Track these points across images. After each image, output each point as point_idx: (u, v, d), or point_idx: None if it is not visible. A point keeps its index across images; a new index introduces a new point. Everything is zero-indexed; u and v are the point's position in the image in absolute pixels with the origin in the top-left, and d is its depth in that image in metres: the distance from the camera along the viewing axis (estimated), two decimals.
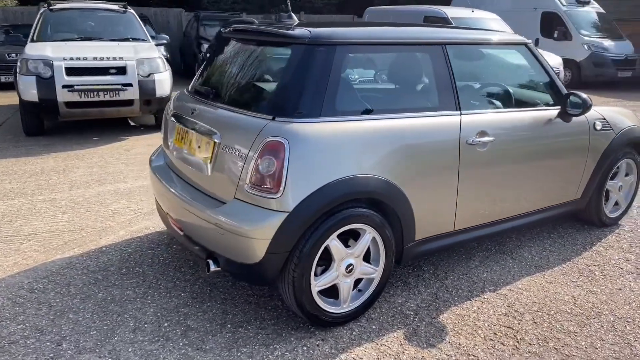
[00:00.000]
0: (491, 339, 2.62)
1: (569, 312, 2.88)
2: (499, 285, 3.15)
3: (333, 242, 2.54)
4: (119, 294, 2.95)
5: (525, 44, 3.43)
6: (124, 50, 6.64)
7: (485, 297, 3.02)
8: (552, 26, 13.46)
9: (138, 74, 6.47)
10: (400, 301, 2.94)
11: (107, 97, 6.33)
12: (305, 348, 2.51)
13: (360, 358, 2.45)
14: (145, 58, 6.64)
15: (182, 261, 3.37)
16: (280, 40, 2.74)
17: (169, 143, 3.16)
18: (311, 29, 2.64)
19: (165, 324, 2.68)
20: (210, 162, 2.67)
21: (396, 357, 2.46)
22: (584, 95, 3.27)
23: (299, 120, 2.45)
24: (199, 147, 2.79)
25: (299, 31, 2.63)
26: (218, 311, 2.81)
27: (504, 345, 2.58)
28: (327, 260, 2.59)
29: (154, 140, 6.63)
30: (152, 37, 7.74)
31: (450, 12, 10.09)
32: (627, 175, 4.07)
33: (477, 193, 3.04)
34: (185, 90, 3.41)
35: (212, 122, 2.71)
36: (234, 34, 3.13)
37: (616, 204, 4.11)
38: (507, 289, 3.12)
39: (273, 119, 2.47)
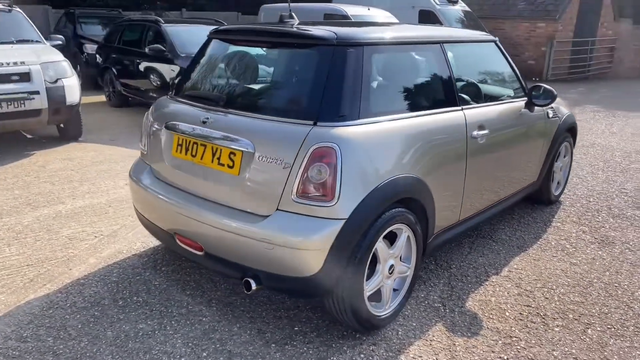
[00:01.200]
0: (521, 319, 2.79)
1: (567, 285, 3.17)
2: (498, 268, 3.36)
3: (379, 245, 2.52)
4: (131, 330, 2.63)
5: (495, 42, 3.67)
6: (24, 54, 5.85)
7: (493, 280, 3.20)
8: (429, 22, 14.49)
9: (45, 80, 5.75)
10: (422, 295, 3.01)
11: (11, 108, 5.53)
12: (362, 355, 2.46)
13: (420, 356, 2.47)
14: (49, 62, 5.91)
15: (182, 283, 3.09)
16: (304, 42, 2.62)
17: (164, 156, 2.87)
18: (334, 30, 2.57)
19: (204, 354, 2.45)
20: (238, 175, 2.49)
21: (450, 349, 2.52)
22: (549, 87, 3.60)
23: (342, 124, 2.38)
24: (217, 158, 2.58)
25: (324, 32, 2.55)
26: (253, 331, 2.64)
27: (534, 323, 2.77)
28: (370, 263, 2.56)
29: (70, 153, 5.95)
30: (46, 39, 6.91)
31: (349, 10, 10.37)
32: (564, 156, 4.56)
33: (477, 183, 3.20)
34: (167, 96, 3.12)
35: (237, 132, 2.51)
36: (240, 35, 2.93)
37: (557, 183, 4.59)
38: (506, 270, 3.34)
39: (315, 124, 2.37)
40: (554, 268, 3.38)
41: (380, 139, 2.48)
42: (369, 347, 2.53)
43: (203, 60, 3.09)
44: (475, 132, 3.07)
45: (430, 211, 2.80)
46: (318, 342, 2.56)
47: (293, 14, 2.97)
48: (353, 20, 10.11)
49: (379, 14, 10.84)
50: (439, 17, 14.28)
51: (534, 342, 2.60)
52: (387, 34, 2.79)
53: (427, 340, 2.59)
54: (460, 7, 15.31)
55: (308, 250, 2.29)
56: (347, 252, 2.34)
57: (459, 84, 3.17)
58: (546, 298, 3.01)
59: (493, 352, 2.51)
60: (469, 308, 2.89)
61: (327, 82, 2.43)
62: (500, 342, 2.59)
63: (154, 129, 2.99)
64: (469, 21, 15.04)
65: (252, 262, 2.45)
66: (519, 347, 2.55)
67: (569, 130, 4.44)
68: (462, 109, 3.04)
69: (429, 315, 2.81)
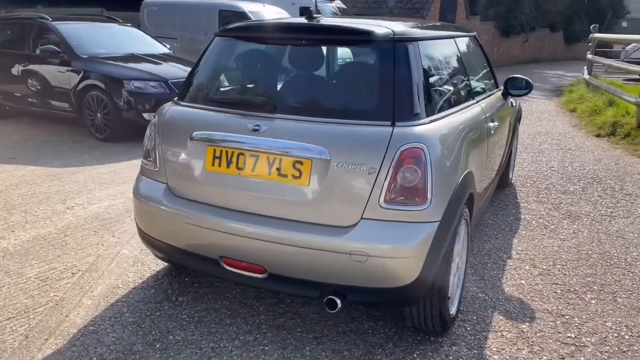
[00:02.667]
0: (559, 298, 2.95)
1: (572, 259, 3.43)
2: (506, 251, 3.52)
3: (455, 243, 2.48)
4: None
5: (475, 36, 3.82)
6: None
7: (511, 264, 3.34)
8: None
9: None
10: None
11: None
12: (451, 357, 2.41)
13: (502, 349, 2.49)
14: None
15: (214, 312, 2.75)
16: (359, 39, 2.45)
17: (193, 172, 2.51)
18: (386, 25, 2.46)
19: None
20: (308, 185, 2.26)
21: (522, 337, 2.57)
22: (526, 78, 3.84)
23: (419, 123, 2.28)
24: (277, 169, 2.32)
25: (380, 28, 2.42)
26: (327, 352, 2.43)
27: (571, 299, 2.94)
28: None
29: None
30: None
31: (246, 6, 10.06)
32: (515, 141, 4.93)
33: (487, 174, 3.31)
34: (176, 104, 2.72)
35: (305, 138, 2.27)
36: (275, 32, 2.66)
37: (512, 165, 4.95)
38: (514, 252, 3.51)
39: (393, 124, 2.24)
40: (550, 245, 3.63)
41: (449, 136, 2.43)
42: (450, 347, 2.48)
43: (223, 62, 2.77)
44: (490, 124, 3.16)
45: (475, 203, 2.83)
46: (399, 352, 2.44)
47: (319, 9, 2.77)
48: (252, 16, 9.85)
49: (275, 10, 10.70)
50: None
51: (584, 317, 2.76)
52: (426, 30, 2.74)
53: (497, 332, 2.61)
54: (336, 4, 15.77)
55: (407, 258, 2.17)
56: (440, 255, 2.27)
57: (471, 77, 3.24)
58: (564, 274, 3.22)
59: (559, 332, 2.62)
60: (509, 294, 2.98)
61: (396, 80, 2.30)
62: (558, 322, 2.71)
63: (171, 141, 2.60)
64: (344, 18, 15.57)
65: (334, 278, 2.25)
66: (576, 324, 2.69)
67: (518, 118, 4.80)
68: (477, 102, 3.12)
69: (481, 306, 2.84)
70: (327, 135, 2.26)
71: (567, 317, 2.76)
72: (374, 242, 2.16)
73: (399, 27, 2.50)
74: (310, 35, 2.57)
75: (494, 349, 2.47)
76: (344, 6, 16.11)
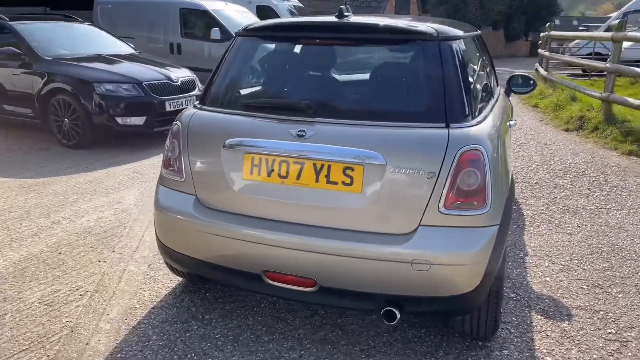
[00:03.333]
0: (587, 293, 2.98)
1: (586, 254, 3.47)
2: (521, 249, 3.53)
3: None
4: None
5: (480, 34, 3.81)
6: None
7: (530, 261, 3.35)
8: (267, 16, 14.49)
9: None
10: None
11: None
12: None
13: (552, 350, 2.47)
14: None
15: (249, 329, 2.59)
16: (402, 38, 2.36)
17: (228, 181, 2.34)
18: (423, 23, 2.38)
19: None
20: (360, 192, 2.15)
21: (567, 336, 2.56)
22: (529, 75, 3.87)
23: (471, 124, 2.21)
24: (325, 176, 2.19)
25: (424, 27, 2.34)
26: None
27: (599, 294, 2.97)
28: None
29: None
30: None
31: (208, 4, 9.75)
32: None
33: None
34: (199, 109, 2.54)
35: (356, 143, 2.16)
36: (309, 32, 2.52)
37: None
38: (529, 249, 3.53)
39: (447, 126, 2.17)
40: (561, 240, 3.68)
41: (495, 136, 2.38)
42: (501, 352, 2.44)
43: (250, 63, 2.60)
44: (510, 122, 3.15)
45: None
46: (452, 359, 2.38)
47: (349, 7, 2.65)
48: (215, 15, 9.56)
49: (237, 9, 10.45)
50: (276, 11, 14.38)
51: (617, 312, 2.79)
52: (456, 29, 2.68)
53: (541, 332, 2.59)
54: (292, 3, 15.64)
55: (470, 264, 2.10)
56: (499, 259, 2.21)
57: (489, 75, 3.22)
58: (584, 269, 3.26)
59: (599, 329, 2.63)
60: (539, 292, 2.97)
61: (446, 81, 2.23)
62: (594, 318, 2.73)
63: (201, 149, 2.42)
64: (302, 15, 15.47)
65: (391, 288, 2.16)
66: (612, 319, 2.72)
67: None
68: (496, 100, 3.10)
69: (516, 306, 2.82)
70: (380, 139, 2.15)
71: (601, 312, 2.78)
72: (437, 250, 2.08)
73: (437, 25, 2.42)
74: (350, 34, 2.45)
75: (544, 351, 2.45)
76: (300, 4, 16.02)
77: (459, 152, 2.09)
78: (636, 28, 12.74)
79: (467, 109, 2.23)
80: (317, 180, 2.20)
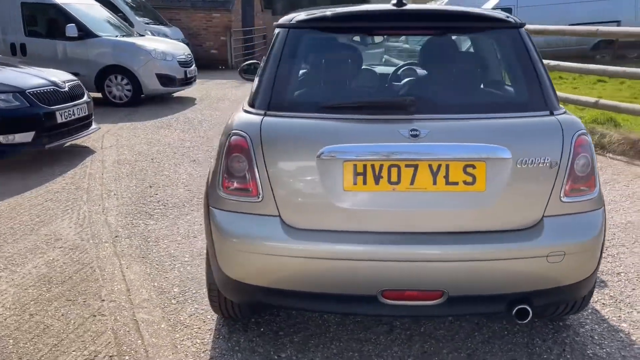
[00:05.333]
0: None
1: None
2: None
3: None
4: None
5: None
6: None
7: None
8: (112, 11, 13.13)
9: None
10: None
11: None
12: (594, 336, 2.45)
13: (618, 316, 2.62)
14: None
15: (340, 359, 2.29)
16: (487, 26, 2.25)
17: (323, 197, 2.03)
18: (493, 10, 2.34)
19: None
20: (484, 190, 2.03)
21: (618, 300, 2.75)
22: None
23: (564, 109, 2.24)
24: (444, 177, 2.02)
25: (498, 14, 2.28)
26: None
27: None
28: None
29: None
30: None
31: None
32: None
33: None
34: (266, 115, 2.14)
35: (478, 138, 2.02)
36: (372, 22, 2.25)
37: None
38: None
39: (552, 113, 2.15)
40: None
41: None
42: (584, 328, 2.52)
43: (315, 59, 2.28)
44: None
45: None
46: (551, 343, 2.39)
47: None
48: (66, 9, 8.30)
49: (86, 2, 9.23)
50: (119, 8, 13.12)
51: None
52: None
53: (599, 303, 2.74)
54: None
55: (592, 249, 2.13)
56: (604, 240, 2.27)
57: None
58: None
59: None
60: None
61: (536, 67, 2.20)
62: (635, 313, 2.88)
63: (284, 162, 2.06)
64: (145, 11, 14.32)
65: (522, 285, 2.08)
66: None
67: None
68: None
69: None
70: (501, 132, 2.05)
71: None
72: (568, 240, 2.07)
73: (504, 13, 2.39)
74: (425, 22, 2.27)
75: (614, 319, 2.60)
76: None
77: (573, 139, 2.08)
78: None
79: (555, 96, 2.24)
80: (434, 183, 2.01)
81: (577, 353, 2.34)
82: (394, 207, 2.03)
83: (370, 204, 2.03)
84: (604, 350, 2.36)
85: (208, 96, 9.81)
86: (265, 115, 2.14)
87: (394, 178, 2.01)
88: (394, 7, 2.27)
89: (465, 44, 2.61)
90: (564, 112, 2.18)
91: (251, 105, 2.23)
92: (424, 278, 2.02)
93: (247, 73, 3.37)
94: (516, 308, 2.06)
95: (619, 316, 2.62)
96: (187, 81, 9.16)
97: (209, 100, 9.38)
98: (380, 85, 2.40)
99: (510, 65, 2.28)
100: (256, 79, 2.33)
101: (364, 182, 2.01)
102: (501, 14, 2.27)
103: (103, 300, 2.75)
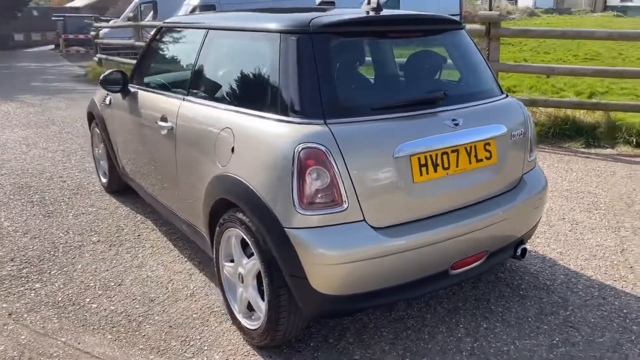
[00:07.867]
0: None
1: None
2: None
3: None
4: None
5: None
6: None
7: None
8: None
9: None
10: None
11: None
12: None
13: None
14: None
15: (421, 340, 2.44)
16: (447, 27, 2.79)
17: (400, 192, 2.24)
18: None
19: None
20: (497, 162, 2.52)
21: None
22: None
23: None
24: (474, 157, 2.43)
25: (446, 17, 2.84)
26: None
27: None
28: None
29: None
30: None
31: None
32: None
33: None
34: (325, 125, 2.12)
35: (489, 120, 2.54)
36: (386, 26, 2.55)
37: None
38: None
39: (507, 95, 2.80)
40: None
41: None
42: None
43: (346, 63, 2.52)
44: None
45: None
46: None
47: None
48: None
49: None
50: None
51: None
52: None
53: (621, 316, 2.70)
54: None
55: (547, 192, 2.89)
56: None
57: None
58: None
59: None
60: (584, 287, 3.01)
61: (485, 60, 2.81)
62: None
63: (363, 168, 2.18)
64: None
65: (521, 230, 2.70)
66: None
67: None
68: None
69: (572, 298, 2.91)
70: (497, 113, 2.63)
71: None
72: (540, 187, 2.77)
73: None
74: (423, 26, 2.71)
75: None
76: None
77: (527, 113, 2.78)
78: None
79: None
80: (470, 162, 2.41)
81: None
82: (449, 189, 2.37)
83: (433, 191, 2.33)
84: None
85: None
86: (326, 123, 2.11)
87: (445, 164, 2.32)
88: (408, 13, 2.79)
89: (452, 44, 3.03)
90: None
91: (287, 114, 2.15)
92: (479, 242, 2.45)
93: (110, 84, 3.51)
94: (520, 249, 2.64)
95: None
96: None
97: None
98: (411, 82, 2.74)
99: (471, 59, 2.78)
100: (282, 89, 2.22)
101: (427, 172, 2.29)
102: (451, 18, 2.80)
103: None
